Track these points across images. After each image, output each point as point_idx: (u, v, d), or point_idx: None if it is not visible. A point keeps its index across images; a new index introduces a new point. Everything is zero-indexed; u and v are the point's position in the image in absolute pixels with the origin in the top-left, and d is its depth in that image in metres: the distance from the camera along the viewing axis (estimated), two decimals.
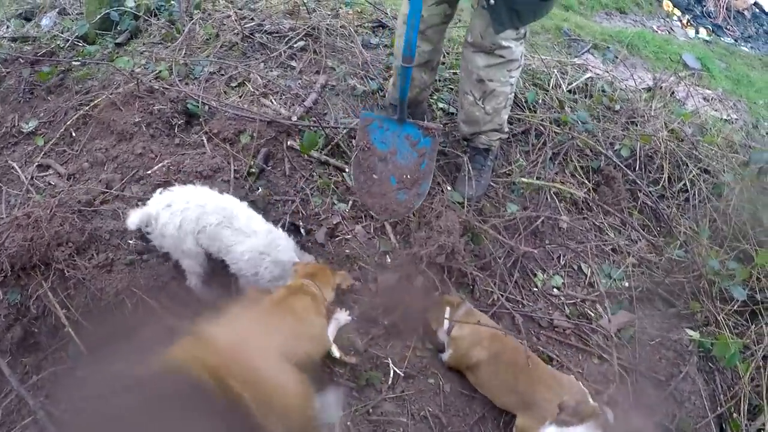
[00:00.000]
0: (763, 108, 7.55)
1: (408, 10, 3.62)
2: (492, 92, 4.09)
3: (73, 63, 5.00)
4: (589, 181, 4.84)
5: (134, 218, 3.48)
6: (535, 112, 5.23)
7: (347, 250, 3.98)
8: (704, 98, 6.82)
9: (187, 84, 4.68)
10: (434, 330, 3.60)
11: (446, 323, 3.51)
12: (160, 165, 4.11)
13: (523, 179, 4.61)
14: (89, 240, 3.71)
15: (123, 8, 5.49)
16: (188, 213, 3.44)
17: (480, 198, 4.43)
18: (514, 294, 4.01)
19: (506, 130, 4.44)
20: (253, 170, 4.20)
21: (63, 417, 3.22)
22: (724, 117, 6.59)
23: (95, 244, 3.72)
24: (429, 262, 3.77)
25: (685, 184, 5.02)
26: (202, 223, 3.45)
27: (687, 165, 5.09)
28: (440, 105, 5.12)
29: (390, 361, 3.47)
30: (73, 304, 3.57)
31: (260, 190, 4.16)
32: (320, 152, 4.43)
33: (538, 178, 4.60)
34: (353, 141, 4.45)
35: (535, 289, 4.11)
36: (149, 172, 4.09)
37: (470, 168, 4.40)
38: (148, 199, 3.66)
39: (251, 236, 3.50)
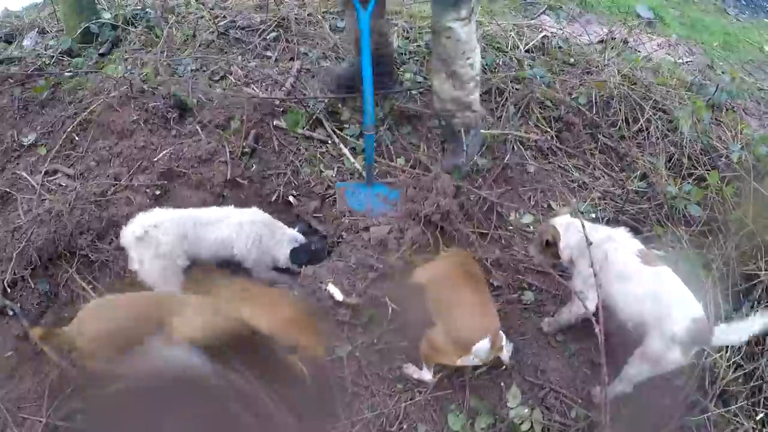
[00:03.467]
0: (717, 50, 7.88)
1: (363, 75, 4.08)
2: (454, 73, 4.33)
3: (65, 74, 5.30)
4: (552, 129, 5.24)
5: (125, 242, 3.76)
6: (496, 72, 5.63)
7: (339, 218, 4.42)
8: (658, 45, 7.16)
9: (178, 83, 5.04)
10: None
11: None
12: (162, 154, 4.48)
13: (490, 131, 5.01)
14: (107, 226, 4.06)
15: (101, 20, 5.76)
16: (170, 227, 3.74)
17: (466, 167, 4.74)
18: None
19: (480, 108, 4.69)
20: (246, 150, 4.61)
21: None
22: (678, 60, 6.93)
23: (113, 228, 4.04)
24: (426, 221, 4.14)
25: (642, 125, 5.38)
26: (183, 231, 3.77)
27: (643, 107, 5.44)
28: (407, 75, 5.48)
29: (387, 299, 3.82)
30: (99, 284, 3.92)
31: (254, 167, 4.58)
32: (304, 128, 4.88)
33: (503, 132, 5.03)
34: (333, 117, 5.00)
35: (510, 227, 4.50)
36: (155, 160, 4.44)
37: (452, 146, 4.77)
38: (154, 185, 4.15)
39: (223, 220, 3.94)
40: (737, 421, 3.62)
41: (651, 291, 3.34)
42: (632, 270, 3.44)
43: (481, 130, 4.84)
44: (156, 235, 3.65)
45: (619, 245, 3.55)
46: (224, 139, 4.63)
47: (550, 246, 3.74)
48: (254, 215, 4.03)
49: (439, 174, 4.35)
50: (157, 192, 4.31)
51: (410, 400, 3.56)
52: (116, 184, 4.30)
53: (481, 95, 4.82)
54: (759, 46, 8.35)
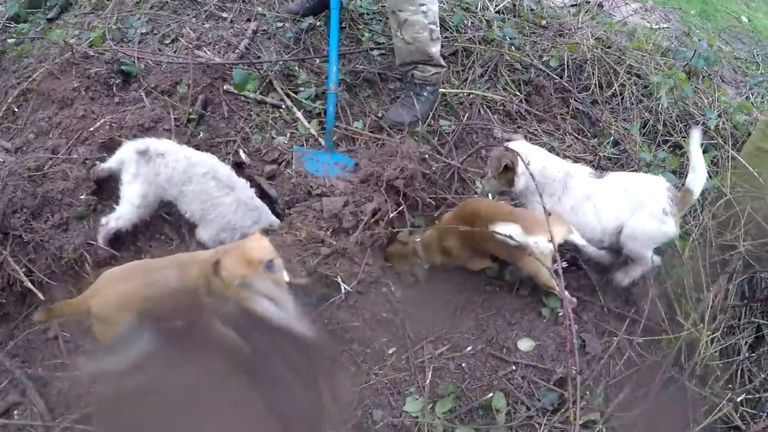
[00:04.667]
0: (694, 17, 7.72)
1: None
2: (405, 21, 4.20)
3: (8, 41, 5.01)
4: (521, 93, 4.98)
5: (113, 163, 3.67)
6: (463, 33, 5.35)
7: (292, 180, 4.11)
8: (633, 10, 6.95)
9: (121, 47, 4.72)
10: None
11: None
12: (101, 122, 4.16)
13: (450, 90, 4.76)
14: (42, 203, 3.78)
15: None
16: (178, 164, 3.60)
17: (411, 125, 4.56)
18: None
19: (441, 63, 4.52)
20: (193, 117, 4.30)
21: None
22: (654, 27, 6.73)
23: (48, 206, 3.78)
24: (387, 186, 3.88)
25: (616, 90, 5.17)
26: (189, 174, 3.61)
27: (617, 71, 5.23)
28: (365, 34, 5.23)
29: (339, 278, 3.56)
30: (36, 267, 3.66)
31: (201, 134, 4.27)
32: (256, 93, 4.56)
33: (469, 95, 4.74)
34: (289, 80, 4.69)
35: (476, 194, 4.25)
36: (91, 129, 4.13)
37: (405, 96, 4.57)
38: (94, 158, 3.88)
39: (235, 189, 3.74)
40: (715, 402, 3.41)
41: (619, 192, 3.59)
42: (593, 186, 3.63)
43: (444, 90, 4.70)
44: (158, 162, 3.57)
45: (576, 175, 3.67)
46: (170, 105, 4.31)
47: (507, 171, 3.66)
48: (250, 198, 3.84)
49: (405, 138, 4.18)
50: (97, 164, 3.96)
51: (365, 383, 3.33)
52: (53, 157, 4.00)
53: (446, 56, 4.63)
54: (736, 16, 8.24)
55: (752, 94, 5.82)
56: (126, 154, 3.65)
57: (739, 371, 3.67)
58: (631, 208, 3.55)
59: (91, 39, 4.76)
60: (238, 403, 2.93)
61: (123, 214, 3.66)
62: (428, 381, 3.37)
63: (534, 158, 3.59)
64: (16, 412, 3.27)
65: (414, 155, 3.97)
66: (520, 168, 3.56)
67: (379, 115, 4.68)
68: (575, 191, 3.61)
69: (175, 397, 2.94)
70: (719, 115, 4.95)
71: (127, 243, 3.84)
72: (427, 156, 4.15)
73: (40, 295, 3.59)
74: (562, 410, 3.30)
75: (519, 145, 3.66)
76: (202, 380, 2.95)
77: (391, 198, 3.88)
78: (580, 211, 3.60)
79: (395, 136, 4.44)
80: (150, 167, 3.58)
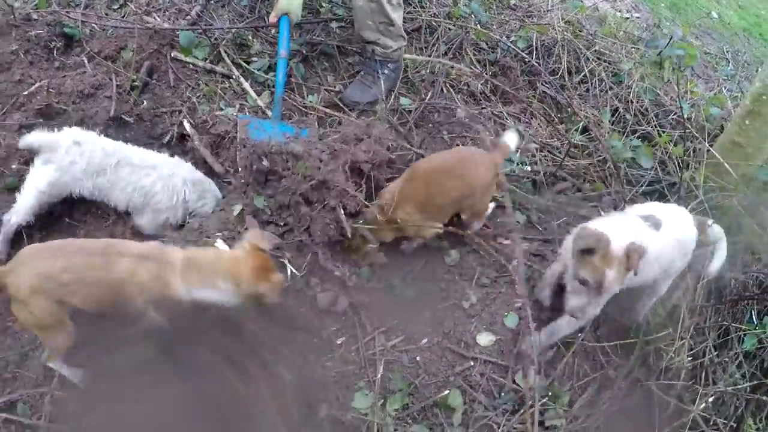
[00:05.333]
0: (664, 10, 7.61)
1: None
2: None
3: None
4: (486, 73, 4.75)
5: (31, 139, 3.33)
6: (427, 8, 5.11)
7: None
8: None
9: (67, 11, 4.39)
10: None
11: None
12: (37, 86, 3.88)
13: (408, 55, 4.53)
14: None
15: None
16: (94, 156, 3.33)
17: (369, 104, 4.32)
18: None
19: (403, 34, 4.28)
20: (137, 84, 4.00)
21: None
22: (625, 15, 6.58)
23: None
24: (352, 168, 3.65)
25: (585, 75, 4.98)
26: (103, 165, 3.34)
27: (587, 56, 5.04)
28: (324, 5, 4.96)
29: (287, 262, 3.30)
30: None
31: (145, 103, 3.98)
32: (205, 61, 4.27)
33: (431, 72, 4.49)
34: (242, 50, 4.41)
35: None
36: (25, 94, 3.85)
37: (365, 73, 4.33)
38: (31, 124, 3.59)
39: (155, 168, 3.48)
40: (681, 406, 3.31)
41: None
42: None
43: (408, 56, 4.50)
44: (74, 151, 3.33)
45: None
46: (112, 71, 4.02)
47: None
48: (188, 172, 3.60)
49: (374, 122, 3.90)
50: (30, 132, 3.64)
51: (311, 376, 3.09)
52: None
53: (409, 32, 4.41)
54: (707, 11, 8.16)
55: (723, 89, 5.69)
56: (51, 138, 3.35)
57: (704, 373, 3.54)
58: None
59: (36, 1, 4.44)
60: (163, 392, 2.68)
61: (24, 204, 3.37)
62: (379, 375, 3.12)
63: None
64: None
65: (385, 141, 3.73)
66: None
67: (336, 89, 4.43)
68: None
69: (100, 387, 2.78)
70: (692, 106, 4.80)
71: (62, 216, 3.60)
72: (392, 144, 3.91)
73: None
74: (521, 411, 3.09)
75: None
76: (126, 368, 2.75)
77: (353, 179, 3.61)
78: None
79: (351, 114, 4.22)
80: (65, 155, 3.31)
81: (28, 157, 3.55)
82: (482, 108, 4.52)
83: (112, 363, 2.82)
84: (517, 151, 3.71)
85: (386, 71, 4.29)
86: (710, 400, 3.33)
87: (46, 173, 3.31)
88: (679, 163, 4.29)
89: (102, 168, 3.35)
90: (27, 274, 2.55)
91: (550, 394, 3.20)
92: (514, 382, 3.20)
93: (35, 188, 3.34)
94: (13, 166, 3.61)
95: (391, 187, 3.51)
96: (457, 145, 4.21)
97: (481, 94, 4.62)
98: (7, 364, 3.02)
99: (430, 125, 4.28)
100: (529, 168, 4.19)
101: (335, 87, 4.43)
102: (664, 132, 4.58)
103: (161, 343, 2.70)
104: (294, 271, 3.26)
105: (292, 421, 2.89)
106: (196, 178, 3.60)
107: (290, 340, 3.14)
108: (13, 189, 3.50)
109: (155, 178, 3.45)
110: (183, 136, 3.95)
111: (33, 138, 3.33)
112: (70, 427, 2.85)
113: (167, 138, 3.96)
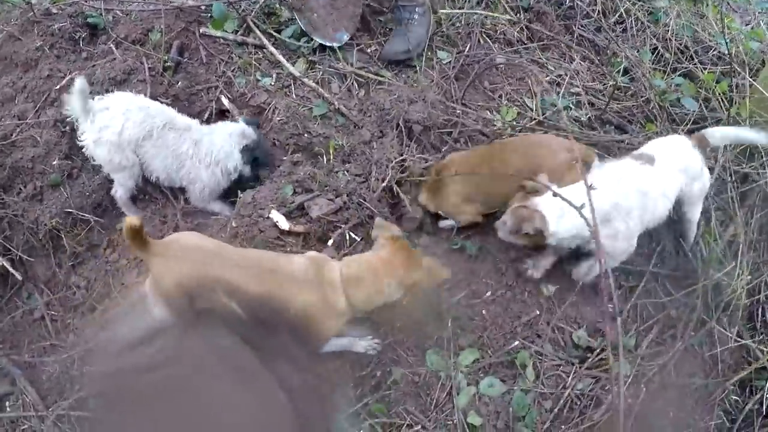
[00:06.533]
0: None
1: None
2: None
3: None
4: (522, 20, 4.64)
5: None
6: None
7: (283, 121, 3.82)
8: None
9: (87, 0, 4.31)
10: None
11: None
12: (67, 79, 3.83)
13: (448, 11, 4.45)
14: (13, 174, 3.56)
15: None
16: (132, 116, 3.30)
17: (416, 54, 4.23)
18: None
19: None
20: (169, 65, 3.95)
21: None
22: None
23: (20, 176, 3.56)
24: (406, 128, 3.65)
25: (620, 15, 4.86)
26: (147, 127, 3.31)
27: None
28: None
29: (344, 227, 3.28)
30: (13, 244, 3.45)
31: (180, 83, 3.93)
32: (236, 34, 4.19)
33: (467, 24, 4.42)
34: (270, 19, 4.34)
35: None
36: (57, 88, 3.82)
37: (396, 25, 4.28)
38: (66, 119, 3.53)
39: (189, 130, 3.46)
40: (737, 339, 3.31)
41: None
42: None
43: (443, 11, 4.39)
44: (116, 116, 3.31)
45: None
46: (142, 55, 3.97)
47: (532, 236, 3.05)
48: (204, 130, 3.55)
49: (428, 87, 3.91)
50: (66, 128, 3.69)
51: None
52: (21, 123, 3.71)
53: None
54: None
55: (761, 22, 5.51)
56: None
57: (760, 309, 3.51)
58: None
59: None
60: (247, 378, 2.67)
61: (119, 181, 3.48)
62: (449, 331, 3.12)
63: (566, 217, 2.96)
64: (7, 403, 3.09)
65: (438, 105, 3.72)
66: (550, 231, 2.98)
67: (372, 48, 4.33)
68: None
69: (181, 372, 2.70)
70: (731, 41, 4.62)
71: (109, 208, 3.64)
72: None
73: (17, 275, 3.42)
74: (590, 358, 3.12)
75: (543, 201, 3.01)
76: (209, 355, 2.71)
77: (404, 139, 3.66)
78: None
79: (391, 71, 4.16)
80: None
81: (68, 153, 3.61)
82: (521, 56, 4.42)
83: (193, 350, 2.78)
84: None
85: (416, 16, 4.21)
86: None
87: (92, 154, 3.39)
88: (723, 99, 4.20)
89: (147, 130, 3.34)
90: (177, 270, 2.55)
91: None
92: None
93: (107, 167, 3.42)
94: (54, 162, 3.59)
95: (460, 156, 3.49)
96: (500, 96, 4.17)
97: (518, 41, 4.52)
98: (73, 361, 3.09)
99: (471, 78, 4.17)
100: (574, 113, 4.12)
101: (372, 47, 4.33)
102: (705, 69, 4.47)
103: (239, 330, 2.71)
104: (354, 236, 3.27)
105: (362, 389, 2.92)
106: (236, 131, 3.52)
107: None
108: (57, 185, 3.54)
109: (190, 141, 3.44)
110: (222, 112, 3.91)
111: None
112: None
113: (206, 115, 3.92)
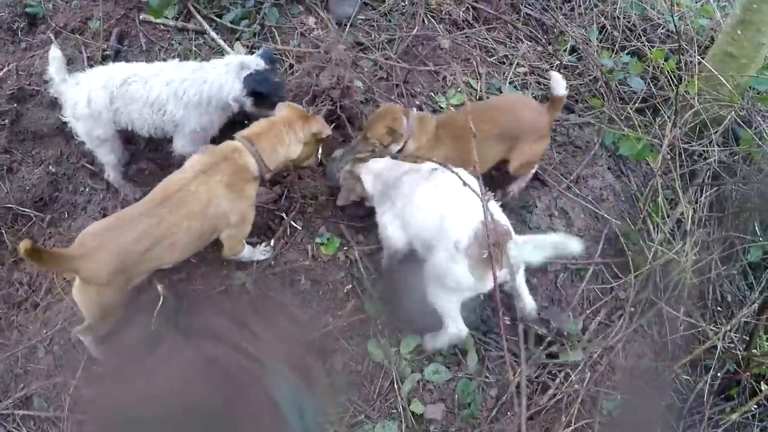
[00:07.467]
0: None
1: None
2: None
3: None
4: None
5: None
6: None
7: None
8: None
9: None
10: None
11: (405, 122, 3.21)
12: (5, 71, 3.79)
13: None
14: None
15: None
16: (95, 83, 3.16)
17: (354, 18, 4.20)
18: None
19: None
20: (108, 53, 3.89)
21: None
22: None
23: None
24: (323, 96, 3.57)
25: None
26: (109, 88, 3.15)
27: None
28: None
29: (285, 215, 3.26)
30: None
31: None
32: (176, 20, 4.11)
33: (411, 3, 4.35)
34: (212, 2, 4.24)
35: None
36: None
37: None
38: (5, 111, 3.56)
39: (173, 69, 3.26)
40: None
41: (434, 203, 2.87)
42: (418, 191, 2.96)
43: None
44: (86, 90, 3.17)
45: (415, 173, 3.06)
46: (81, 44, 3.91)
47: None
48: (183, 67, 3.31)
49: (332, 44, 3.77)
50: (5, 120, 3.65)
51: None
52: None
53: None
54: None
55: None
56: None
57: (711, 288, 3.52)
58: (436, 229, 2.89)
59: None
60: (174, 362, 2.62)
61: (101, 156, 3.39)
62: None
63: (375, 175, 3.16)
64: None
65: (347, 61, 3.63)
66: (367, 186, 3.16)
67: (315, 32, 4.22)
68: (408, 196, 3.04)
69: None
70: (680, 19, 4.60)
71: (50, 202, 3.56)
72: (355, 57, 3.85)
73: None
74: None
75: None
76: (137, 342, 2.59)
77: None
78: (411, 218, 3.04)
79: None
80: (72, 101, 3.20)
81: (7, 147, 3.57)
82: (466, 36, 4.37)
83: (123, 338, 2.69)
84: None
85: None
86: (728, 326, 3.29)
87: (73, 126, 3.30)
88: (671, 77, 4.18)
89: (110, 91, 3.18)
90: (105, 260, 2.55)
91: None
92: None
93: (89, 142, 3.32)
94: None
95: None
96: (444, 77, 4.11)
97: (463, 21, 4.46)
98: (17, 359, 3.01)
99: (415, 58, 4.15)
100: (519, 92, 4.08)
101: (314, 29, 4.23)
102: (653, 46, 4.43)
103: (168, 313, 2.65)
104: (296, 225, 3.23)
105: (306, 374, 2.85)
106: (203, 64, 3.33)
107: (297, 293, 3.12)
108: None
109: (163, 80, 3.21)
110: None
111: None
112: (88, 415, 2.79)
113: None
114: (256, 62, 3.22)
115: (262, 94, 3.20)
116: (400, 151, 3.26)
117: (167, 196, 2.72)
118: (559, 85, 3.30)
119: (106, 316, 2.68)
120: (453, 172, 2.73)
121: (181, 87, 3.18)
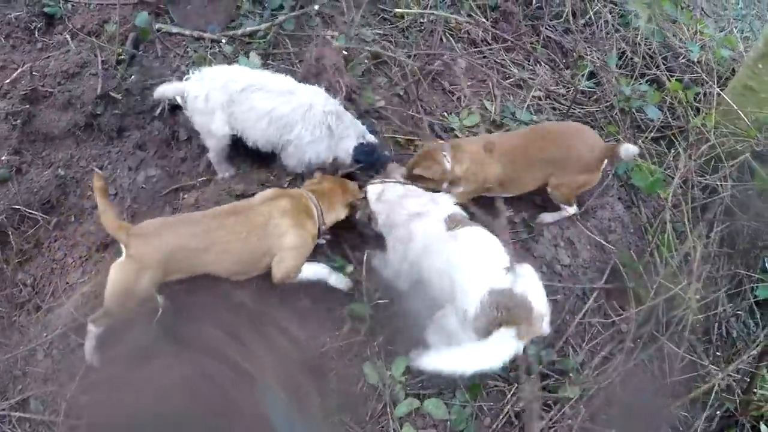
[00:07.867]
0: None
1: None
2: None
3: None
4: (487, 20, 4.55)
5: (164, 90, 3.41)
6: None
7: None
8: None
9: None
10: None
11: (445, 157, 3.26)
12: (20, 71, 3.80)
13: (400, 9, 4.36)
14: None
15: None
16: (215, 83, 3.29)
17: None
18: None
19: None
20: (123, 57, 3.88)
21: None
22: None
23: None
24: None
25: (590, 18, 4.78)
26: (229, 91, 3.27)
27: None
28: None
29: None
30: None
31: (133, 77, 3.85)
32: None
33: (430, 21, 4.33)
34: None
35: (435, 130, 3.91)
36: (8, 81, 3.77)
37: None
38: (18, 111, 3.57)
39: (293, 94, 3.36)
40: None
41: (449, 261, 2.77)
42: (435, 241, 2.88)
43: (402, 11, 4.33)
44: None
45: (428, 215, 2.99)
46: (96, 47, 3.91)
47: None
48: (326, 101, 3.42)
49: (322, 48, 3.81)
50: (17, 121, 3.66)
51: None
52: None
53: None
54: None
55: (734, 29, 5.42)
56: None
57: (716, 325, 3.47)
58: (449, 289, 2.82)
59: None
60: (167, 374, 2.65)
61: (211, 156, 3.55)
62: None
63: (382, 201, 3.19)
64: None
65: (340, 64, 3.75)
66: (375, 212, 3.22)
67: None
68: (418, 242, 2.98)
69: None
70: (701, 48, 4.58)
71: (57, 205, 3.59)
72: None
73: None
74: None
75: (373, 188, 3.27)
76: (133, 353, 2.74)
77: None
78: (423, 263, 2.98)
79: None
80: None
81: (18, 148, 3.57)
82: (484, 56, 4.36)
83: (120, 346, 2.81)
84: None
85: None
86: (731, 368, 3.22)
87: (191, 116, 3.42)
88: (688, 108, 4.14)
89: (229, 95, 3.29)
90: (156, 245, 2.71)
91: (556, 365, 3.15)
92: None
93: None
94: (3, 158, 3.55)
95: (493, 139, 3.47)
96: (459, 98, 4.10)
97: (482, 41, 4.45)
98: (16, 360, 3.03)
99: (431, 77, 4.14)
100: (535, 117, 4.05)
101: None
102: (673, 76, 4.39)
103: (166, 324, 2.73)
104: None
105: (298, 392, 2.84)
106: (337, 110, 3.43)
107: (296, 311, 3.11)
108: (6, 181, 3.49)
109: (289, 106, 3.33)
110: (174, 108, 3.81)
111: (161, 90, 3.40)
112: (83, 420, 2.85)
113: (158, 110, 3.83)
114: (370, 135, 3.48)
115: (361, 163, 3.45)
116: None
117: (235, 210, 2.94)
118: (627, 153, 3.30)
119: (127, 302, 2.74)
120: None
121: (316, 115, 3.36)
